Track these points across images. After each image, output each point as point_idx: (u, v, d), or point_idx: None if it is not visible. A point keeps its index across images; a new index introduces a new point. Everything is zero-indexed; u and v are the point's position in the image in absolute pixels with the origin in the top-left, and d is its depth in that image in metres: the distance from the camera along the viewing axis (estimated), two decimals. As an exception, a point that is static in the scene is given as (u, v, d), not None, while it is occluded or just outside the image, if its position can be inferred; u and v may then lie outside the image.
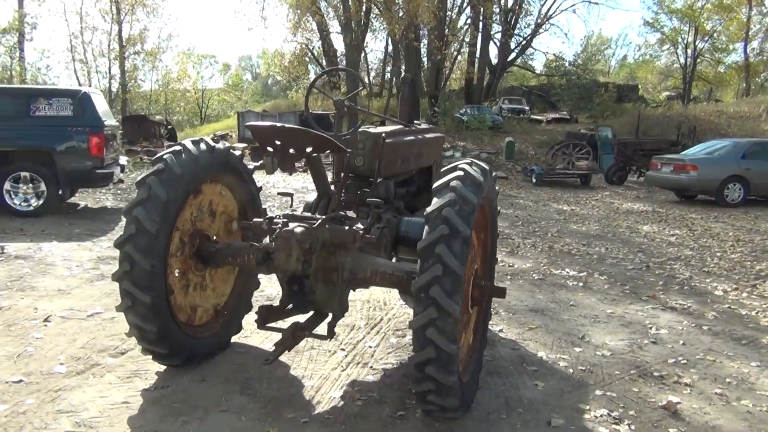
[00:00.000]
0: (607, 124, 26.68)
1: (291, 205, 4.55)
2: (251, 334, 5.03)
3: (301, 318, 4.12)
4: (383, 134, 4.48)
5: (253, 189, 4.79)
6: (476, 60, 39.33)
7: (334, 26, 35.34)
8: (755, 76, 44.83)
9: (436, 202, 3.40)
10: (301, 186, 15.77)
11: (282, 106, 44.02)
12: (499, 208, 4.52)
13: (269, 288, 6.28)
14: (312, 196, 4.61)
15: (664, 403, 4.17)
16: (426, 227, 3.35)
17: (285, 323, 4.03)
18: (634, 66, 64.13)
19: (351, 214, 4.41)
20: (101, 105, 11.15)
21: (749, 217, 14.01)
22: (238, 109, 45.06)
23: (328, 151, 4.02)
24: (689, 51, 45.93)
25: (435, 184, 3.54)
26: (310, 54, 39.68)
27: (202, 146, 4.17)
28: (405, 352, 4.85)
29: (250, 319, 4.65)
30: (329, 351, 4.79)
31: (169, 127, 29.46)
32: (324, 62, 39.43)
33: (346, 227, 3.94)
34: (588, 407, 4.08)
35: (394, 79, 41.18)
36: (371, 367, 4.55)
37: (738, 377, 4.74)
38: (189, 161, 4.01)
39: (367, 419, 3.77)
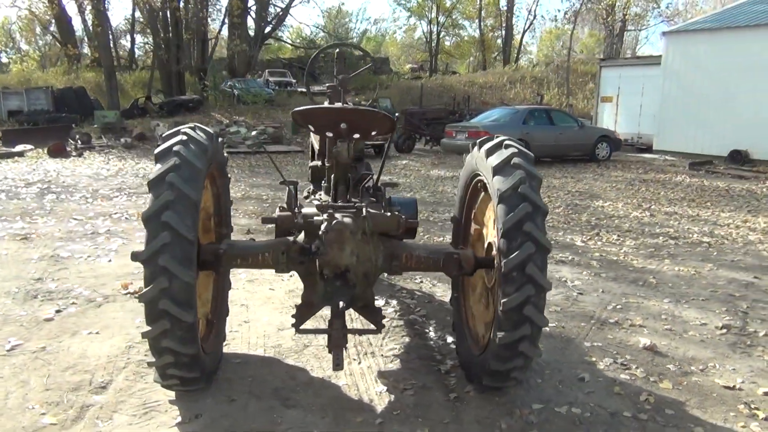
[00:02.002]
0: (384, 95, 28.00)
1: (294, 195, 4.13)
2: (232, 340, 4.52)
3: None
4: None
5: (226, 182, 4.30)
6: (237, 32, 38.23)
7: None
8: (489, 51, 50.33)
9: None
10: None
11: (7, 81, 37.82)
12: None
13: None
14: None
15: (645, 345, 4.71)
16: None
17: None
18: (379, 39, 67.66)
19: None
20: None
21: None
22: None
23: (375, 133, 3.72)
24: (433, 26, 49.85)
25: None
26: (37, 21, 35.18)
27: (205, 134, 3.61)
28: (396, 335, 4.77)
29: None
30: (326, 346, 4.50)
31: None
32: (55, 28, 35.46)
33: (387, 213, 3.73)
34: (594, 359, 4.45)
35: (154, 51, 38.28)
36: (382, 355, 4.41)
37: (666, 313, 5.51)
38: (201, 153, 3.44)
39: (431, 407, 3.68)
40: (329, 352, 3.59)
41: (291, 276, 6.20)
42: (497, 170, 3.49)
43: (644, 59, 24.91)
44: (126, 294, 5.56)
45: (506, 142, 3.68)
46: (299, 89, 37.99)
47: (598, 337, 4.88)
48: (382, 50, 65.25)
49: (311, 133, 4.72)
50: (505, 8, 47.58)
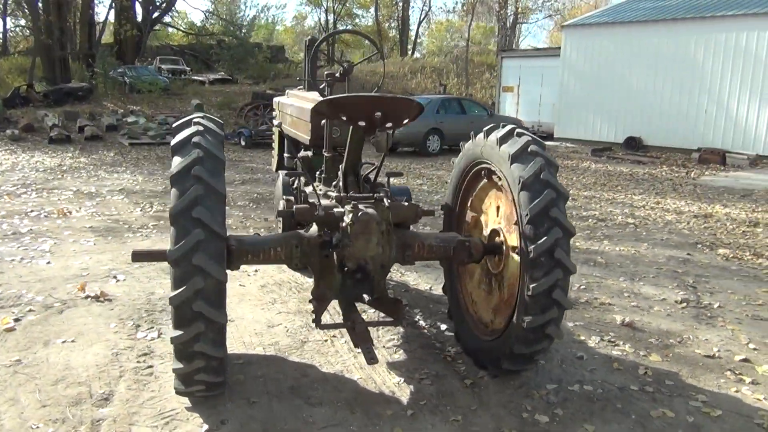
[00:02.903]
0: (290, 85, 27.50)
1: (294, 186, 3.97)
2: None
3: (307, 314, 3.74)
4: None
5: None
6: (125, 15, 36.15)
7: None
8: (386, 40, 50.65)
9: None
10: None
11: None
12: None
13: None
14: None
15: (623, 321, 4.97)
16: None
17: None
18: (270, 27, 66.23)
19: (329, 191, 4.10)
20: None
21: (450, 163, 16.32)
22: None
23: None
24: (330, 15, 49.53)
25: None
26: None
27: (216, 124, 3.42)
28: (390, 326, 4.75)
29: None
30: (324, 341, 4.42)
31: None
32: None
33: (405, 203, 3.70)
34: (583, 338, 4.65)
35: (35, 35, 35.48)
36: (384, 347, 4.38)
37: (627, 291, 5.84)
38: (219, 144, 3.26)
39: (454, 395, 3.71)
40: (355, 346, 3.51)
41: (257, 271, 6.01)
42: (516, 158, 3.54)
43: (543, 51, 26.05)
44: (87, 298, 5.16)
45: (518, 130, 3.74)
46: (194, 77, 36.56)
47: (577, 316, 5.09)
48: (274, 38, 63.97)
49: (307, 123, 4.54)
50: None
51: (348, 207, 3.49)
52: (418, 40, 52.53)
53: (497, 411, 3.55)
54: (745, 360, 4.32)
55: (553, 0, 40.89)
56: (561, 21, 49.06)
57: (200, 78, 36.98)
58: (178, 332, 3.00)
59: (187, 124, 3.33)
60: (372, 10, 50.51)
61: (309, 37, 5.51)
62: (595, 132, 21.11)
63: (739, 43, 17.47)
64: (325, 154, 4.24)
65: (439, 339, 4.56)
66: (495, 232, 3.97)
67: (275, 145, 6.05)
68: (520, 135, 3.69)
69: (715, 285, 6.07)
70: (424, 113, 17.92)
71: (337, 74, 4.51)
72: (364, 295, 3.58)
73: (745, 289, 5.97)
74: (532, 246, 3.36)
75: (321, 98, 4.59)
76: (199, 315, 2.97)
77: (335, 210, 3.54)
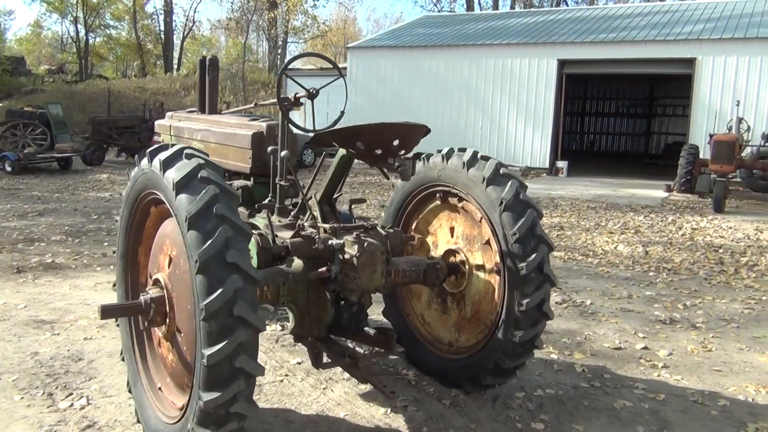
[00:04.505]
0: (55, 101, 24.68)
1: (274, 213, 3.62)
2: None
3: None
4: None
5: None
6: None
7: None
8: (148, 55, 47.75)
9: None
10: None
11: None
12: None
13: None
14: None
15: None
16: None
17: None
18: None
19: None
20: None
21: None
22: None
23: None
24: (80, 25, 45.37)
25: None
26: None
27: (203, 153, 3.06)
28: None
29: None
30: (279, 381, 4.14)
31: None
32: None
33: (391, 230, 3.64)
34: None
35: None
36: (344, 379, 4.22)
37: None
38: (221, 176, 2.92)
39: (444, 417, 3.76)
40: (363, 383, 3.37)
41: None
42: (491, 181, 3.71)
43: (328, 71, 26.75)
44: (-47, 369, 4.17)
45: (480, 154, 3.91)
46: None
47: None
48: (6, 49, 56.75)
49: (245, 150, 4.13)
50: (162, 13, 45.90)
51: (349, 238, 3.34)
52: (185, 57, 50.39)
53: (494, 426, 3.66)
54: (645, 348, 4.99)
55: (321, 23, 42.10)
56: (328, 41, 50.93)
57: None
58: (214, 394, 2.62)
59: (177, 155, 2.92)
60: (126, 22, 47.36)
61: (211, 56, 5.09)
62: None
63: (506, 68, 19.81)
64: (280, 183, 3.97)
65: (388, 364, 4.53)
66: (451, 252, 4.08)
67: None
68: (485, 158, 3.87)
69: (573, 284, 6.86)
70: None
71: (292, 98, 4.24)
72: (367, 329, 3.45)
73: (598, 285, 6.85)
74: (523, 263, 3.54)
75: (262, 123, 4.33)
76: (239, 371, 2.63)
77: (333, 242, 3.36)
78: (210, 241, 2.61)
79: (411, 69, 21.44)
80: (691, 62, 17.33)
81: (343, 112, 4.17)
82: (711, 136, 14.98)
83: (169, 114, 5.57)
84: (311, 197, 3.95)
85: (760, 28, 17.20)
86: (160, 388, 3.33)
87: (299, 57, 4.09)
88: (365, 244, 3.30)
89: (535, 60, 19.42)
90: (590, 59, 19.00)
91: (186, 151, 2.96)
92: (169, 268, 3.09)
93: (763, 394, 4.20)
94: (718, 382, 4.38)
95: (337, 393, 4.00)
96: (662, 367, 4.62)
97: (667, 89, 27.28)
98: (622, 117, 30.58)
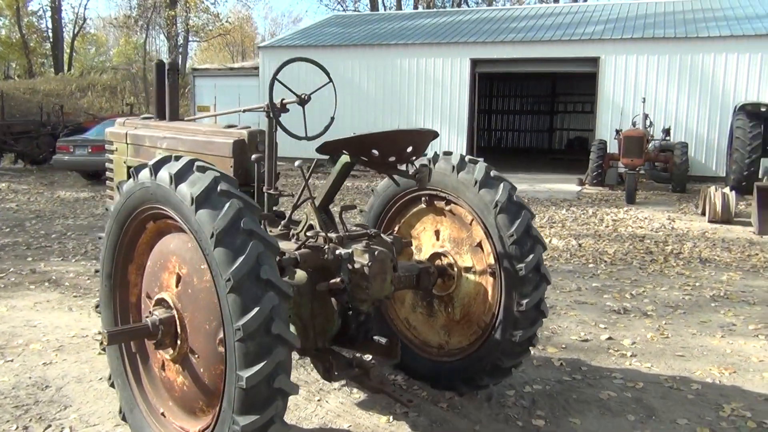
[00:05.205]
0: None
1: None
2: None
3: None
4: None
5: None
6: None
7: None
8: (34, 54, 44.66)
9: None
10: None
11: None
12: None
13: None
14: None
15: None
16: None
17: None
18: None
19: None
20: None
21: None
22: None
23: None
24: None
25: None
26: None
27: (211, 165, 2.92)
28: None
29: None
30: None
31: None
32: None
33: (390, 236, 3.59)
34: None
35: None
36: (336, 389, 4.15)
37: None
38: (237, 188, 2.79)
39: (447, 421, 3.78)
40: (376, 393, 3.31)
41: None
42: (483, 184, 3.75)
43: (240, 70, 26.08)
44: None
45: (468, 157, 3.95)
46: None
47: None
48: None
49: (224, 158, 3.92)
50: (49, 9, 43.03)
51: (358, 246, 3.27)
52: (76, 56, 47.58)
53: (498, 426, 3.71)
54: (610, 338, 5.22)
55: (225, 21, 41.00)
56: (230, 41, 49.71)
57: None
58: (251, 417, 2.50)
59: (188, 168, 2.76)
60: (7, 19, 44.13)
61: (169, 60, 4.82)
62: (300, 148, 21.97)
63: (420, 68, 20.10)
64: (268, 191, 3.80)
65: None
66: (437, 256, 4.10)
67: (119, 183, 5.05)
68: (473, 161, 3.91)
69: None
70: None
71: (279, 104, 4.04)
72: (377, 337, 3.40)
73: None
74: (521, 264, 3.61)
75: (242, 130, 4.15)
76: (277, 392, 2.53)
77: (341, 251, 3.27)
78: (242, 258, 2.49)
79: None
80: (595, 61, 18.27)
81: (333, 118, 4.07)
82: (617, 131, 15.89)
83: (119, 121, 5.23)
84: (308, 206, 3.83)
85: (656, 29, 18.39)
86: (162, 414, 3.13)
87: (289, 63, 3.91)
88: (376, 253, 3.25)
89: (448, 59, 19.84)
90: (501, 59, 19.62)
91: (197, 163, 2.80)
92: (177, 287, 2.91)
93: (727, 375, 4.50)
94: (685, 366, 4.65)
95: (333, 404, 3.92)
96: (631, 356, 4.85)
97: (568, 86, 28.63)
98: (526, 114, 31.80)
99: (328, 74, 4.05)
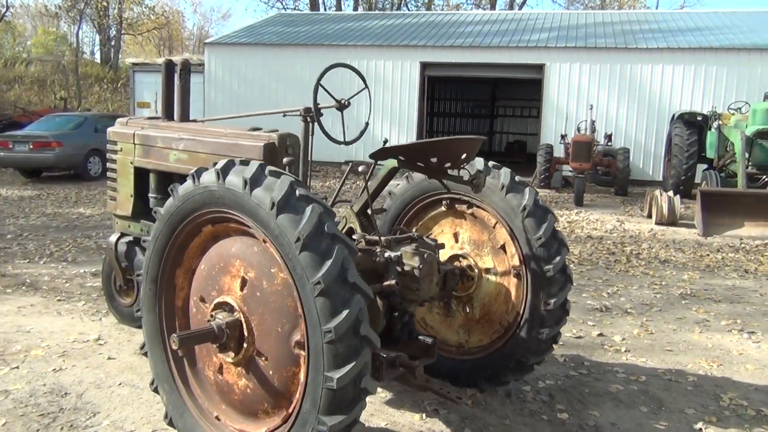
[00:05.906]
0: None
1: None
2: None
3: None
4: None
5: None
6: None
7: None
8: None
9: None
10: None
11: None
12: None
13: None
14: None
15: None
16: None
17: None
18: None
19: None
20: None
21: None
22: None
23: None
24: None
25: None
26: None
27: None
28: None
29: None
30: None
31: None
32: None
33: (431, 241, 3.71)
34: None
35: None
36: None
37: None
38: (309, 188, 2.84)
39: (476, 417, 3.91)
40: (423, 391, 3.40)
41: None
42: (510, 189, 3.92)
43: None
44: None
45: (491, 162, 4.11)
46: None
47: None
48: None
49: None
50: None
51: (408, 249, 3.37)
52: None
53: (524, 419, 3.88)
54: (601, 335, 5.50)
55: (160, 14, 39.84)
56: (165, 35, 48.30)
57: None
58: (338, 417, 2.56)
59: (261, 172, 2.78)
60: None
61: (182, 60, 4.73)
62: (319, 152, 21.72)
63: (369, 69, 20.19)
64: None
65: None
66: (456, 257, 4.24)
67: (121, 187, 4.91)
68: (497, 167, 4.07)
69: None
70: (80, 132, 16.12)
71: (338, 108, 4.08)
72: (422, 337, 3.49)
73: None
74: (549, 266, 3.79)
75: (271, 133, 4.15)
76: (362, 392, 2.60)
77: (390, 254, 3.35)
78: (330, 262, 2.54)
79: (271, 67, 21.14)
80: (541, 68, 18.91)
81: (367, 123, 4.14)
82: (563, 136, 16.53)
83: (121, 121, 5.12)
84: (348, 209, 3.90)
85: (597, 39, 19.21)
86: (217, 417, 3.13)
87: (333, 67, 3.97)
88: (425, 255, 3.35)
89: (398, 62, 20.06)
90: (451, 62, 20.00)
91: (268, 168, 2.82)
92: (242, 290, 2.92)
93: (716, 368, 4.85)
94: (676, 360, 4.97)
95: (362, 403, 4.00)
96: (625, 351, 5.13)
97: (508, 91, 29.42)
98: (467, 117, 32.46)
99: (364, 81, 4.12)
